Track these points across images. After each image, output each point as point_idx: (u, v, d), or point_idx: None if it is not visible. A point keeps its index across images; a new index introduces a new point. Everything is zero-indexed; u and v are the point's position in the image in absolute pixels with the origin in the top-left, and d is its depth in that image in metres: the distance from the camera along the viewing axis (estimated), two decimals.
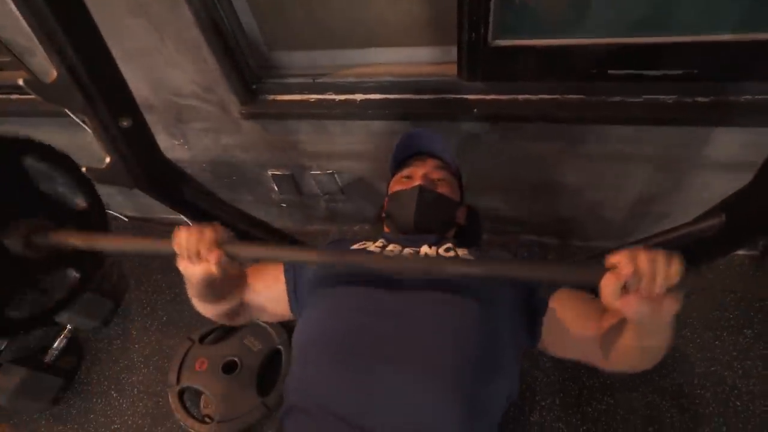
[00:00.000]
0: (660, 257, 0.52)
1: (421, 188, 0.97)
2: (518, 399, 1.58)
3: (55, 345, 1.85)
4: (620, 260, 0.53)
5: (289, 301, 0.90)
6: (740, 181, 1.01)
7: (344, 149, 1.58)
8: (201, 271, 0.68)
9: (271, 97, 1.45)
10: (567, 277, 0.60)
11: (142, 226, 2.27)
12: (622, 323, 0.66)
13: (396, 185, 1.05)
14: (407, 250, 0.88)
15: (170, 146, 1.73)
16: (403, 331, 0.72)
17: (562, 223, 1.80)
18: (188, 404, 1.66)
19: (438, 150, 1.10)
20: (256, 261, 0.72)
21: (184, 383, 1.66)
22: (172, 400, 1.65)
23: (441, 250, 0.87)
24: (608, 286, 0.53)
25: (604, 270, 0.54)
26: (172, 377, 1.68)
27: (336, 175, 1.72)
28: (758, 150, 1.04)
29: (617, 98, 1.24)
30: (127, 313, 2.03)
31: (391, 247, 0.89)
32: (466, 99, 1.31)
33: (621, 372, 0.74)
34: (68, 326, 1.90)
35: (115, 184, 1.05)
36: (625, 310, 0.55)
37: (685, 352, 1.59)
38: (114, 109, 0.95)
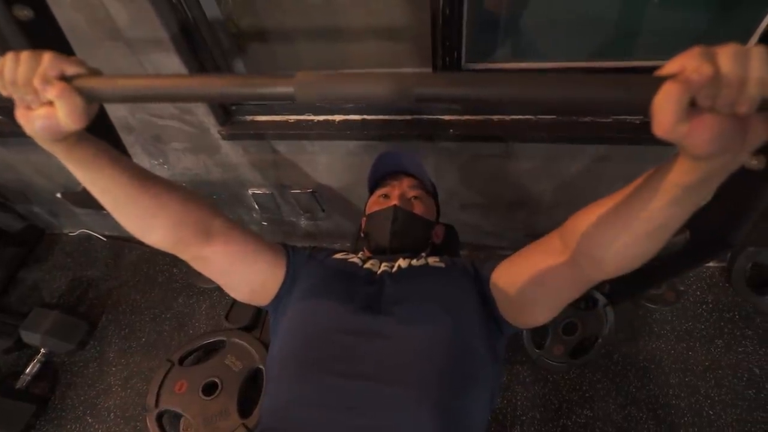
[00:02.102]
0: (756, 53, 0.33)
1: (396, 209, 0.99)
2: (500, 414, 1.59)
3: (28, 370, 1.80)
4: (689, 60, 0.34)
5: (280, 289, 0.82)
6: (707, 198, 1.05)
7: (323, 168, 1.60)
8: (41, 120, 0.46)
9: (250, 117, 1.46)
10: (609, 93, 0.38)
11: (122, 245, 2.25)
12: (644, 196, 0.48)
13: (373, 205, 1.07)
14: (384, 265, 0.89)
15: (150, 166, 1.73)
16: (379, 348, 0.73)
17: (539, 238, 1.83)
18: (167, 428, 1.63)
19: (414, 169, 1.13)
20: (131, 99, 0.49)
21: (163, 406, 1.63)
22: (150, 424, 1.61)
23: (413, 261, 0.89)
24: (669, 100, 0.33)
25: (660, 80, 0.35)
26: (151, 400, 1.64)
27: (316, 194, 1.73)
28: None
29: (588, 119, 1.29)
30: (104, 334, 1.99)
31: (372, 261, 0.91)
32: (442, 119, 1.34)
33: (621, 271, 0.56)
34: (42, 350, 1.85)
35: (91, 207, 1.05)
36: (691, 138, 0.35)
37: (661, 363, 1.63)
38: (90, 132, 0.95)
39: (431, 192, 1.15)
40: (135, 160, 1.06)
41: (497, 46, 1.22)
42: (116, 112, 1.44)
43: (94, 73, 0.47)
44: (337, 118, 1.40)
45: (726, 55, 0.33)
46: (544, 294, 0.70)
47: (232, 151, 1.58)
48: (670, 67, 0.35)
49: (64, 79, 0.45)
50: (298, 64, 1.38)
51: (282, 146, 1.52)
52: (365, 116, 1.38)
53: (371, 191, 1.15)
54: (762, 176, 0.73)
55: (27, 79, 0.44)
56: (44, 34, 0.83)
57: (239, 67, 1.43)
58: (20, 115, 0.47)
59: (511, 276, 0.74)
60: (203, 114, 1.43)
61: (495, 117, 1.32)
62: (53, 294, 2.15)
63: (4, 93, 0.46)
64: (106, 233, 2.29)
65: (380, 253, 0.99)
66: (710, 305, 1.74)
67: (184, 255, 0.72)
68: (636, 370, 1.63)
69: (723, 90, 0.33)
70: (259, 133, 1.46)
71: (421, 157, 1.14)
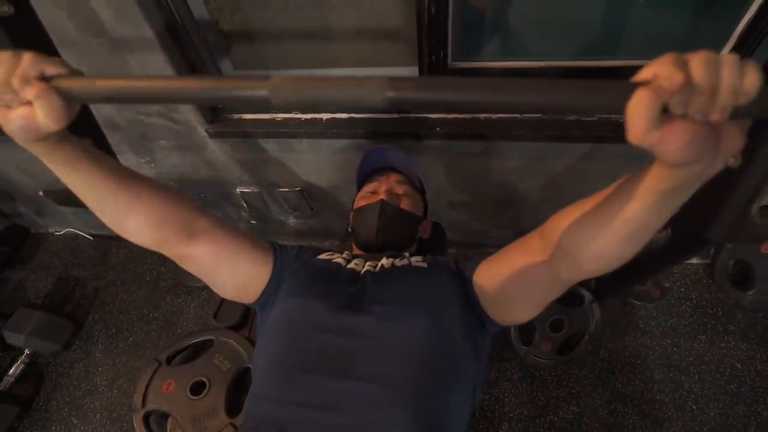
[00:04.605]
0: (728, 61, 0.33)
1: (382, 203, 1.00)
2: (487, 411, 1.60)
3: (11, 372, 1.77)
4: (661, 68, 0.33)
5: (266, 288, 0.82)
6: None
7: (311, 167, 1.60)
8: (20, 121, 0.46)
9: (237, 116, 1.46)
10: (581, 99, 0.39)
11: (109, 245, 2.22)
12: (620, 198, 0.48)
13: (360, 200, 1.07)
14: (368, 263, 0.89)
15: (137, 164, 1.71)
16: (360, 348, 0.73)
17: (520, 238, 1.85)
18: (154, 428, 1.62)
19: (401, 165, 1.13)
20: (110, 100, 0.49)
21: (150, 406, 1.62)
22: (137, 425, 1.60)
23: (396, 261, 0.89)
24: (640, 109, 0.33)
25: (633, 86, 0.34)
26: (137, 400, 1.63)
27: (304, 192, 1.73)
28: None
29: (572, 117, 1.30)
30: (90, 334, 1.97)
31: (355, 261, 0.91)
32: (429, 118, 1.35)
33: (601, 271, 0.57)
34: (26, 351, 1.82)
35: (74, 205, 1.04)
36: (664, 145, 0.35)
37: (646, 359, 1.65)
38: (73, 130, 0.94)
39: (418, 188, 1.16)
40: (121, 158, 1.05)
41: (483, 45, 1.22)
42: (102, 111, 1.43)
43: (75, 73, 0.47)
44: (324, 116, 1.40)
45: (698, 62, 0.33)
46: (524, 292, 0.70)
47: (219, 150, 1.57)
48: (643, 73, 0.35)
49: (44, 79, 0.45)
50: (286, 63, 1.38)
51: (269, 144, 1.52)
52: (353, 114, 1.38)
53: (359, 187, 1.16)
54: (740, 174, 0.74)
55: (6, 78, 0.44)
56: (24, 31, 0.82)
57: (226, 66, 1.42)
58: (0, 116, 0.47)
59: (492, 275, 0.75)
60: (190, 112, 1.42)
61: (482, 116, 1.33)
62: (38, 294, 2.13)
63: None
64: (93, 232, 2.26)
65: (367, 247, 1.00)
66: (694, 302, 1.76)
67: (169, 253, 0.72)
68: (622, 366, 1.65)
69: (695, 97, 0.33)
70: (246, 132, 1.45)
71: (407, 153, 1.14)
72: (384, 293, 0.80)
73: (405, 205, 1.04)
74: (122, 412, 1.74)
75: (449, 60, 1.22)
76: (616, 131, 1.27)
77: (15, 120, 0.46)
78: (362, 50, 1.31)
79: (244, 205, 1.86)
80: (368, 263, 0.89)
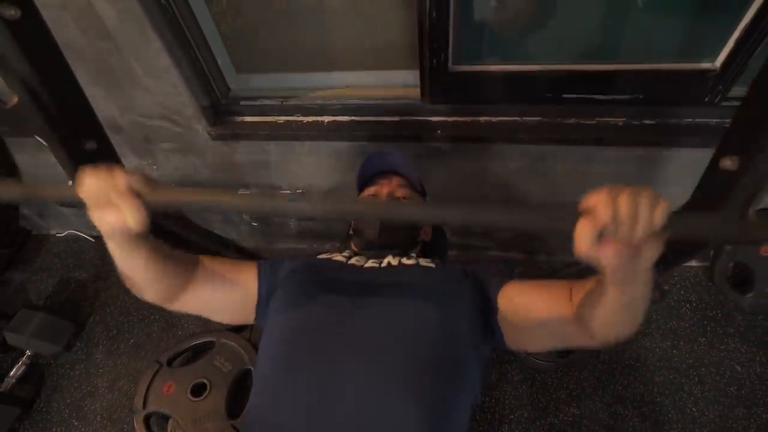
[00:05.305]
0: (643, 198, 0.44)
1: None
2: (488, 413, 1.60)
3: (12, 373, 1.77)
4: (597, 203, 0.45)
5: (258, 304, 0.87)
6: (687, 197, 1.07)
7: (312, 169, 1.61)
8: (115, 223, 0.57)
9: (240, 118, 1.47)
10: (537, 224, 0.53)
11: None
12: (598, 286, 0.60)
13: None
14: (371, 261, 0.90)
15: (138, 166, 1.72)
16: (365, 339, 0.74)
17: (526, 239, 1.86)
18: (155, 430, 1.62)
19: (402, 168, 1.14)
20: (183, 209, 0.64)
21: (151, 408, 1.62)
22: (138, 427, 1.60)
23: (403, 259, 0.90)
24: (583, 234, 0.46)
25: (578, 215, 0.47)
26: (138, 402, 1.63)
27: (305, 195, 1.74)
28: (700, 169, 1.12)
29: (572, 120, 1.31)
30: (92, 336, 1.97)
31: (356, 258, 0.92)
32: (430, 121, 1.36)
33: (609, 341, 0.66)
34: (27, 352, 1.82)
35: (78, 207, 1.04)
36: (600, 259, 0.48)
37: (646, 361, 1.66)
38: (78, 132, 0.95)
39: (420, 191, 1.17)
40: (124, 160, 1.06)
41: (484, 49, 1.23)
42: (104, 112, 1.44)
43: (152, 183, 0.59)
44: (326, 119, 1.41)
45: (623, 201, 0.44)
46: (543, 334, 0.76)
47: (221, 152, 1.58)
48: (586, 202, 0.46)
49: (131, 191, 0.57)
50: (287, 66, 1.39)
51: (271, 147, 1.53)
52: (354, 117, 1.39)
53: (360, 190, 1.16)
54: (737, 177, 0.75)
55: (105, 191, 0.56)
56: (32, 34, 0.82)
57: (229, 70, 1.43)
58: (95, 216, 0.59)
59: (517, 304, 0.79)
60: (193, 115, 1.43)
61: (482, 118, 1.34)
62: (40, 295, 2.13)
63: (83, 197, 0.58)
64: (94, 234, 2.27)
65: (369, 249, 1.01)
66: (694, 304, 1.77)
67: (171, 307, 0.85)
68: (622, 369, 1.65)
69: (620, 227, 0.44)
70: (248, 134, 1.46)
71: (408, 157, 1.15)
72: (391, 286, 0.81)
73: None
74: (123, 413, 1.74)
75: (450, 63, 1.23)
76: (613, 134, 1.28)
77: (110, 221, 0.58)
78: (363, 54, 1.33)
79: None
80: (372, 261, 0.90)
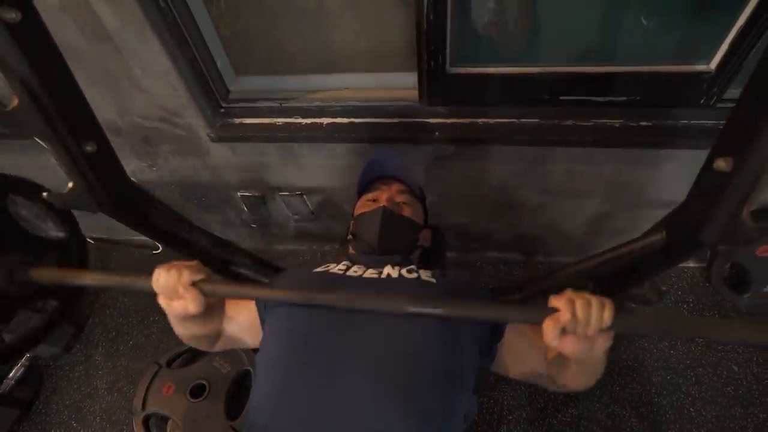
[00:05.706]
0: (594, 303, 0.61)
1: (384, 209, 1.00)
2: (486, 414, 1.61)
3: (11, 375, 1.77)
4: (559, 305, 0.62)
5: (262, 326, 0.90)
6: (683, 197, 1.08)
7: (312, 171, 1.61)
8: (179, 309, 0.74)
9: (239, 120, 1.47)
10: (515, 317, 0.70)
11: (110, 248, 2.23)
12: (565, 359, 0.72)
13: (361, 207, 1.08)
14: (370, 271, 0.90)
15: (138, 168, 1.73)
16: (364, 348, 0.74)
17: (524, 240, 1.86)
18: (154, 431, 1.62)
19: (402, 174, 1.14)
20: (229, 296, 0.82)
21: (150, 409, 1.62)
22: (137, 428, 1.60)
23: (404, 271, 0.89)
24: (548, 329, 0.62)
25: (546, 312, 0.63)
26: (137, 403, 1.64)
27: (305, 196, 1.74)
28: (695, 170, 1.13)
29: (570, 122, 1.32)
30: (91, 337, 1.97)
31: (354, 268, 0.92)
32: (428, 123, 1.36)
33: (568, 391, 0.87)
34: (26, 354, 1.83)
35: (78, 209, 1.05)
36: (562, 349, 0.63)
37: (644, 362, 1.66)
38: (77, 134, 0.95)
39: (419, 197, 1.17)
40: (123, 162, 1.06)
41: (482, 51, 1.24)
42: (104, 114, 1.44)
43: (208, 275, 0.76)
44: (325, 120, 1.41)
45: (579, 305, 0.61)
46: (524, 374, 0.87)
47: (220, 153, 1.59)
48: (553, 302, 0.63)
49: (194, 283, 0.74)
50: (286, 68, 1.40)
51: (271, 148, 1.53)
52: (353, 119, 1.40)
53: (359, 195, 1.16)
54: (731, 178, 0.75)
55: (174, 285, 0.73)
56: (32, 37, 0.83)
57: (228, 71, 1.44)
58: (164, 303, 0.76)
59: (514, 345, 0.85)
60: (192, 117, 1.44)
61: (480, 120, 1.35)
62: None
63: (157, 290, 0.75)
64: (94, 236, 2.27)
65: (369, 253, 1.01)
66: (691, 305, 1.78)
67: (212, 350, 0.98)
68: (620, 369, 1.66)
69: (577, 326, 0.61)
70: (247, 136, 1.47)
71: (408, 161, 1.16)
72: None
73: (406, 213, 1.04)
74: (122, 415, 1.74)
75: (447, 65, 1.24)
76: (610, 136, 1.29)
77: (176, 308, 0.75)
78: (361, 56, 1.33)
79: (245, 208, 1.88)
80: (370, 270, 0.90)
